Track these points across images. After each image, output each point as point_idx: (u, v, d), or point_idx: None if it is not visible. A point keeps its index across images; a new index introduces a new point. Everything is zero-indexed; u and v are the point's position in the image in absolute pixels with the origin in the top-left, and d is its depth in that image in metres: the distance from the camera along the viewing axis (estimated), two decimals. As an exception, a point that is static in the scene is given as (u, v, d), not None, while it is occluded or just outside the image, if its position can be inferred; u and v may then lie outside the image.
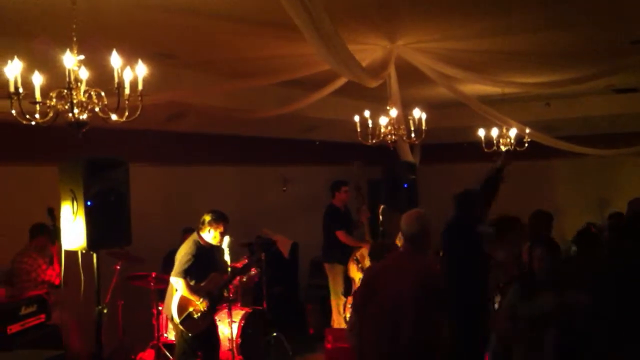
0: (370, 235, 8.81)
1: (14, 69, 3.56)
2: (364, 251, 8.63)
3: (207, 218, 6.49)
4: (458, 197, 6.09)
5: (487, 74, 8.32)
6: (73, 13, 3.87)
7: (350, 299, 8.61)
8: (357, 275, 8.64)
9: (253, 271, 8.07)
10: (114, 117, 3.78)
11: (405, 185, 8.86)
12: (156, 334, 7.48)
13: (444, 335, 4.30)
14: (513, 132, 9.40)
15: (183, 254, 6.40)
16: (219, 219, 6.49)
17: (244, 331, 7.50)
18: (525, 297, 4.66)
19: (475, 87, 8.99)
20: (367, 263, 8.52)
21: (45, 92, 3.70)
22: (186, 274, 6.33)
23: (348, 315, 8.54)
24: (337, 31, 4.63)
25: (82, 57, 3.72)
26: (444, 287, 4.41)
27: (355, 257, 8.78)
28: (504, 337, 4.80)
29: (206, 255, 6.52)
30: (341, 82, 6.99)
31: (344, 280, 8.85)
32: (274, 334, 8.36)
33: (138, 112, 3.79)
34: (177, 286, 6.37)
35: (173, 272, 6.40)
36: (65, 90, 3.65)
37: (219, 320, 7.24)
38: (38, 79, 3.66)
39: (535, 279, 4.68)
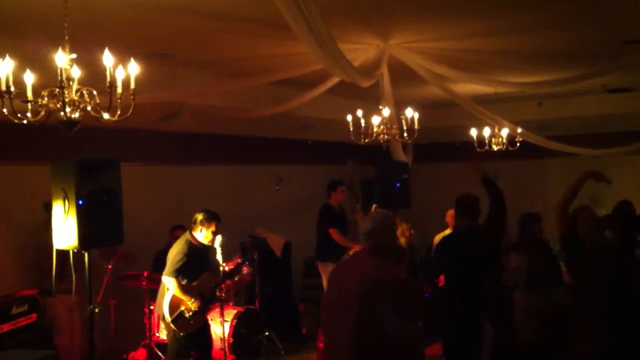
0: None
1: (5, 67, 3.55)
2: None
3: (199, 217, 6.48)
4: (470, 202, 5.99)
5: (479, 74, 8.33)
6: (65, 11, 3.86)
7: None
8: (350, 274, 8.63)
9: (246, 270, 8.07)
10: (106, 116, 3.77)
11: (398, 185, 8.86)
12: (148, 334, 7.47)
13: (391, 335, 4.18)
14: (505, 132, 9.41)
15: (175, 253, 6.40)
16: (211, 218, 6.48)
17: (236, 330, 7.51)
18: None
19: (467, 87, 9.00)
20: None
21: (37, 91, 3.68)
22: (178, 273, 6.32)
23: None
24: (329, 30, 4.63)
25: (74, 55, 3.71)
26: (393, 287, 4.26)
27: (349, 255, 8.77)
28: None
29: (198, 254, 6.52)
30: (334, 81, 6.99)
31: None
32: (266, 334, 8.35)
33: (130, 111, 3.78)
34: (169, 285, 6.36)
35: (165, 272, 6.39)
36: (57, 89, 3.63)
37: (212, 320, 7.23)
38: (30, 78, 3.64)
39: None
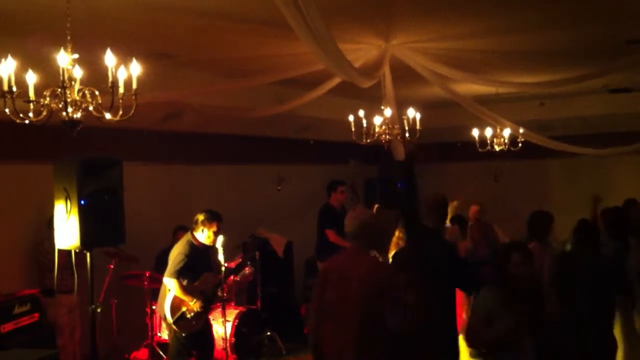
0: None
1: (7, 67, 3.55)
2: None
3: (201, 217, 6.47)
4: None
5: (481, 74, 8.33)
6: (67, 11, 3.86)
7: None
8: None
9: (247, 270, 8.07)
10: (108, 115, 3.77)
11: (400, 185, 8.86)
12: (150, 334, 7.47)
13: (394, 333, 4.14)
14: (507, 132, 9.41)
15: (176, 254, 6.38)
16: (212, 218, 6.47)
17: (238, 330, 7.51)
18: (506, 303, 4.47)
19: (469, 87, 9.00)
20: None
21: (39, 91, 3.69)
22: (179, 274, 6.31)
23: None
24: (329, 31, 4.63)
25: (76, 55, 3.71)
26: (393, 285, 4.25)
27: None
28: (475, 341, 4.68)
29: (200, 255, 6.50)
30: (336, 81, 6.99)
31: None
32: (268, 333, 8.37)
33: (132, 111, 3.78)
34: (170, 286, 6.36)
35: (166, 273, 6.38)
36: (59, 89, 3.64)
37: (213, 320, 7.24)
38: (32, 78, 3.65)
39: (518, 285, 4.49)
